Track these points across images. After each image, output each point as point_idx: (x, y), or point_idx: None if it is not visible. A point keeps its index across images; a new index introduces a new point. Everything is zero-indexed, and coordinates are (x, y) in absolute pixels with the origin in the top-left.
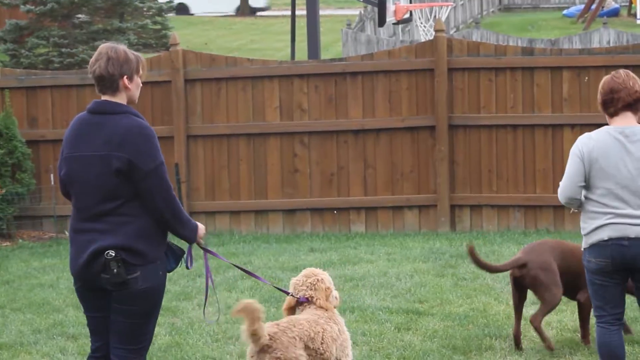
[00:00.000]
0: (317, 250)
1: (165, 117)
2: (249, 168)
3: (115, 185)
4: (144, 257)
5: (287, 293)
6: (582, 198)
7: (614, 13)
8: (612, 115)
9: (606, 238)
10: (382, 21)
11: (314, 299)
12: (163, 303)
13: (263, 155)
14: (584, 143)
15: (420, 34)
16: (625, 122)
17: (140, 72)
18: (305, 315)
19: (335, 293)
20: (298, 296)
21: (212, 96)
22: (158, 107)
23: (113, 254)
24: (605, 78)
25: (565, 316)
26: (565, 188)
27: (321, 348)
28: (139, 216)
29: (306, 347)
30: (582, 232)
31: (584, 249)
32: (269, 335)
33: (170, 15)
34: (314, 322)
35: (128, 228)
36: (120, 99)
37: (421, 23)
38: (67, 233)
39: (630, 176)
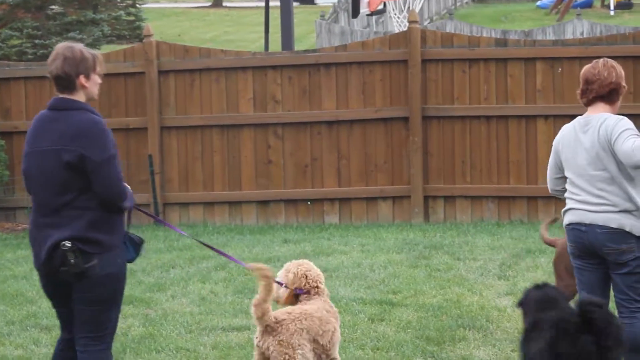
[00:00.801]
0: (291, 241)
1: (138, 109)
2: (223, 159)
3: (68, 179)
4: (100, 246)
5: (281, 284)
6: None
7: (588, 4)
8: (586, 105)
9: (567, 222)
10: (355, 12)
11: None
12: (136, 294)
13: (237, 146)
14: (559, 135)
15: (394, 26)
16: (595, 112)
17: (98, 69)
18: (315, 308)
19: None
20: (297, 289)
21: (185, 87)
22: (132, 98)
23: (69, 245)
24: (585, 67)
25: None
26: (548, 180)
27: (328, 345)
28: (93, 208)
29: (314, 341)
30: None
31: None
32: (275, 318)
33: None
34: (326, 320)
35: (82, 220)
36: (79, 96)
37: (395, 14)
38: None
39: (582, 165)
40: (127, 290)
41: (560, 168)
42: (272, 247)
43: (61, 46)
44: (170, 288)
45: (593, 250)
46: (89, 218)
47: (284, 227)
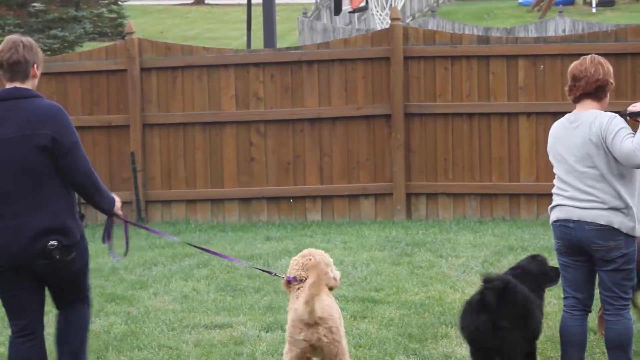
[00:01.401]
0: (274, 238)
1: (121, 106)
2: (205, 157)
3: (39, 163)
4: (74, 235)
5: (270, 272)
6: None
7: (570, 2)
8: (574, 102)
9: (555, 219)
10: (338, 10)
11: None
12: (118, 292)
13: (219, 144)
14: (550, 131)
15: (376, 23)
16: (583, 109)
17: (41, 63)
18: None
19: (332, 274)
20: (288, 276)
21: (168, 85)
22: (114, 95)
23: (55, 244)
24: (573, 64)
25: None
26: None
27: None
28: (62, 194)
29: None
30: None
31: None
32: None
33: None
34: (339, 315)
35: (54, 206)
36: (29, 85)
37: (377, 11)
38: None
39: (571, 161)
40: (109, 288)
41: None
42: (254, 244)
43: (16, 36)
44: (152, 285)
45: (580, 246)
46: (60, 205)
47: (266, 224)
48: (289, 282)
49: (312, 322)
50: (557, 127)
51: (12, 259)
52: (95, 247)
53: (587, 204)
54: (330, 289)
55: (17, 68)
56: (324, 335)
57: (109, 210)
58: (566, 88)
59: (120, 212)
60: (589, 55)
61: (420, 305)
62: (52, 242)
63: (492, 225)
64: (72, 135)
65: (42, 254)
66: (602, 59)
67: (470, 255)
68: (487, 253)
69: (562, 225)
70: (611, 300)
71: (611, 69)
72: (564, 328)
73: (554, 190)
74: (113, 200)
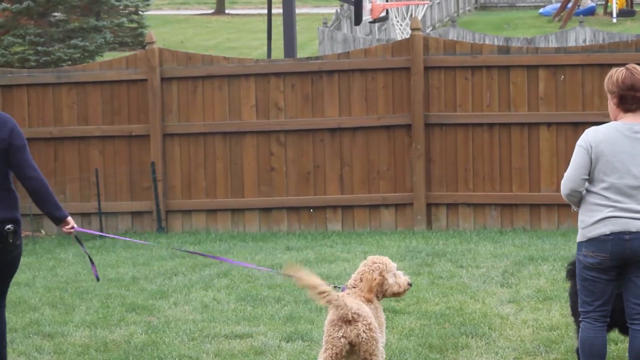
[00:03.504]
0: (294, 248)
1: (141, 116)
2: (225, 166)
3: (2, 164)
4: (20, 225)
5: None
6: (584, 191)
7: (590, 12)
8: (628, 111)
9: (608, 232)
10: (358, 20)
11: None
12: (139, 302)
13: (239, 153)
14: (592, 136)
15: (396, 33)
16: (636, 119)
17: None
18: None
19: (390, 281)
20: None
21: (188, 94)
22: (134, 105)
23: (12, 227)
24: (620, 71)
25: (541, 314)
26: (569, 180)
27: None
28: (13, 191)
29: None
30: (581, 225)
31: (580, 242)
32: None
33: None
34: (380, 322)
35: (8, 201)
36: None
37: (397, 22)
38: (42, 232)
39: (635, 172)
40: (130, 298)
41: (591, 169)
42: (274, 254)
43: None
44: (172, 295)
45: (630, 258)
46: (12, 200)
47: (286, 234)
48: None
49: (349, 318)
50: (613, 137)
51: None
52: (116, 256)
53: None
54: (395, 295)
55: None
56: (363, 332)
57: (59, 219)
58: (615, 95)
59: (71, 223)
60: (631, 65)
61: (441, 315)
62: (9, 226)
63: (513, 235)
64: (21, 138)
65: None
66: None
67: (490, 265)
68: (507, 263)
69: (615, 239)
70: None
71: None
72: (586, 340)
73: (599, 201)
74: (65, 211)
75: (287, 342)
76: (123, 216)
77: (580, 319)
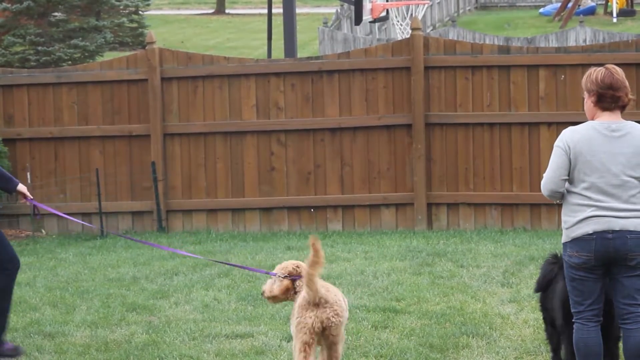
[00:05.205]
0: (294, 248)
1: (141, 116)
2: (226, 166)
3: None
4: None
5: (268, 274)
6: (565, 191)
7: (590, 11)
8: (605, 110)
9: (591, 232)
10: (358, 19)
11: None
12: (139, 301)
13: (240, 153)
14: (569, 136)
15: (396, 33)
16: (613, 118)
17: None
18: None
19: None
20: (281, 275)
21: (188, 94)
22: (134, 105)
23: None
24: (599, 71)
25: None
26: (549, 181)
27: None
28: None
29: None
30: (564, 226)
31: (565, 242)
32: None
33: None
34: (346, 306)
35: None
36: None
37: (397, 21)
38: (43, 232)
39: (615, 170)
40: (131, 297)
41: (570, 170)
42: (275, 254)
43: None
44: (173, 295)
45: (614, 257)
46: None
47: (287, 234)
48: (292, 281)
49: (317, 301)
50: (591, 136)
51: None
52: (117, 256)
53: (630, 213)
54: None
55: None
56: (332, 316)
57: (11, 190)
58: (593, 93)
59: (24, 191)
60: (610, 66)
61: (442, 315)
62: None
63: (513, 235)
64: None
65: None
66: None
67: (491, 265)
68: (508, 263)
69: (599, 238)
70: (632, 309)
71: None
72: (581, 340)
73: (580, 201)
74: (16, 181)
75: (288, 342)
76: (123, 216)
77: (573, 320)
